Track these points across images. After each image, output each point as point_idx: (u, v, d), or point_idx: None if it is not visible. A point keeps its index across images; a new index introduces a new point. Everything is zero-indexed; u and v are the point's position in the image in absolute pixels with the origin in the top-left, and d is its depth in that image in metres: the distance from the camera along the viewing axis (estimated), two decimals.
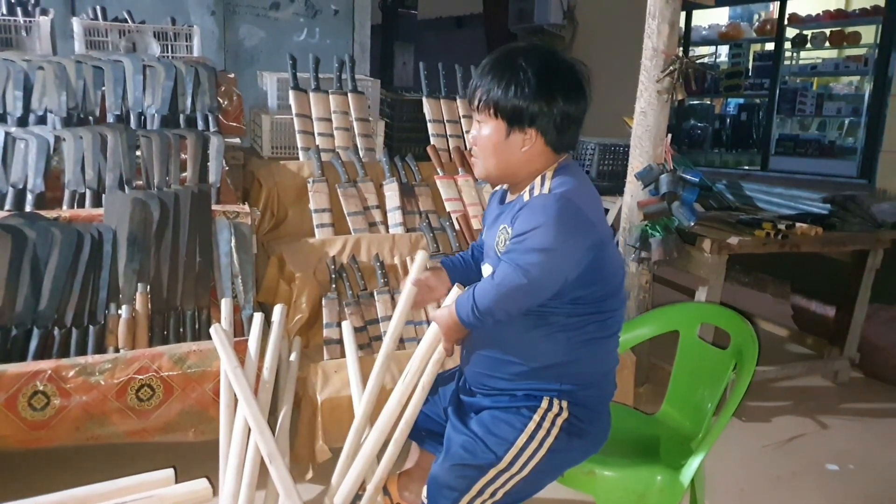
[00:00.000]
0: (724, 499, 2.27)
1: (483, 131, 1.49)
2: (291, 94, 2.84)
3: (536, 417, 1.49)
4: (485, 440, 1.47)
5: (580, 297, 1.46)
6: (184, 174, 2.47)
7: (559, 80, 1.45)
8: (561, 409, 1.50)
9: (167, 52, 3.06)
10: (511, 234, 1.44)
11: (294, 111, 2.83)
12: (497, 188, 1.71)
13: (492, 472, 1.46)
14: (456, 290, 1.62)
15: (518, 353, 1.51)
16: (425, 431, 1.72)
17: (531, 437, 1.48)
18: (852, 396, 3.14)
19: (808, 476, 2.46)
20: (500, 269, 1.40)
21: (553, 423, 1.49)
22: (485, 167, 1.53)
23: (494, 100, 1.44)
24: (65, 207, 2.32)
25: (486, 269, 1.60)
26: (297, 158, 2.82)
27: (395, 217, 2.72)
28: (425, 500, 1.52)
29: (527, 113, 1.43)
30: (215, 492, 1.44)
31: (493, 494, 1.47)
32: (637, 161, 2.85)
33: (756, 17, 7.02)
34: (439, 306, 1.65)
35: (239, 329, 2.22)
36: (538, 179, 1.48)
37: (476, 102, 1.49)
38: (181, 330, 2.20)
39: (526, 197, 1.47)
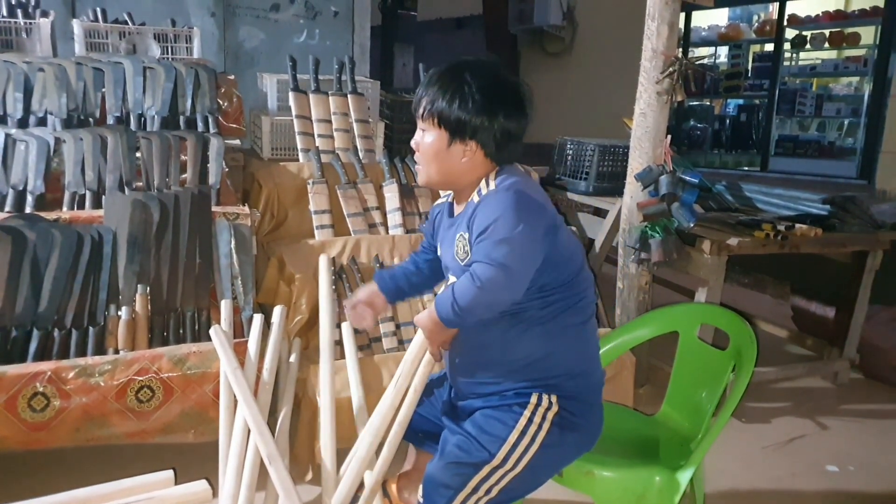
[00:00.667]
0: (724, 500, 2.27)
1: (426, 139, 1.53)
2: (291, 95, 2.84)
3: (527, 413, 1.50)
4: (478, 438, 1.49)
5: (547, 284, 1.48)
6: (184, 175, 2.47)
7: (502, 98, 1.49)
8: (550, 403, 1.51)
9: (167, 53, 3.06)
10: (471, 236, 1.46)
11: (294, 113, 2.83)
12: (439, 202, 1.74)
13: (486, 469, 1.47)
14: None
15: (499, 354, 1.53)
16: (422, 433, 1.72)
17: (523, 433, 1.48)
18: (852, 397, 3.14)
19: (807, 477, 2.46)
20: (476, 267, 1.41)
21: (544, 418, 1.50)
22: (427, 173, 1.57)
23: (438, 110, 1.48)
24: (65, 209, 2.33)
25: (452, 280, 1.61)
26: (297, 160, 2.82)
27: (394, 218, 2.72)
28: (421, 500, 1.52)
29: (469, 126, 1.47)
30: (215, 493, 1.44)
31: (488, 491, 1.48)
32: (637, 162, 2.85)
33: (755, 17, 7.03)
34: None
35: (239, 330, 2.23)
36: (482, 182, 1.52)
37: (420, 111, 1.53)
38: (181, 331, 2.21)
39: (476, 199, 1.50)
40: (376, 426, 1.70)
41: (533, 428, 1.49)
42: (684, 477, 1.64)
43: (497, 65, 1.54)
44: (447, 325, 1.49)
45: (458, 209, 1.61)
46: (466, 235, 1.48)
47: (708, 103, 7.34)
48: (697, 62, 2.74)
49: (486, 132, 1.48)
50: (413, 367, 1.70)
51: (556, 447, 1.52)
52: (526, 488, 1.53)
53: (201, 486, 1.35)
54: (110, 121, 2.58)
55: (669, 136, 2.82)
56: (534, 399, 1.51)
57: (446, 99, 1.47)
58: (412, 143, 1.60)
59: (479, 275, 1.39)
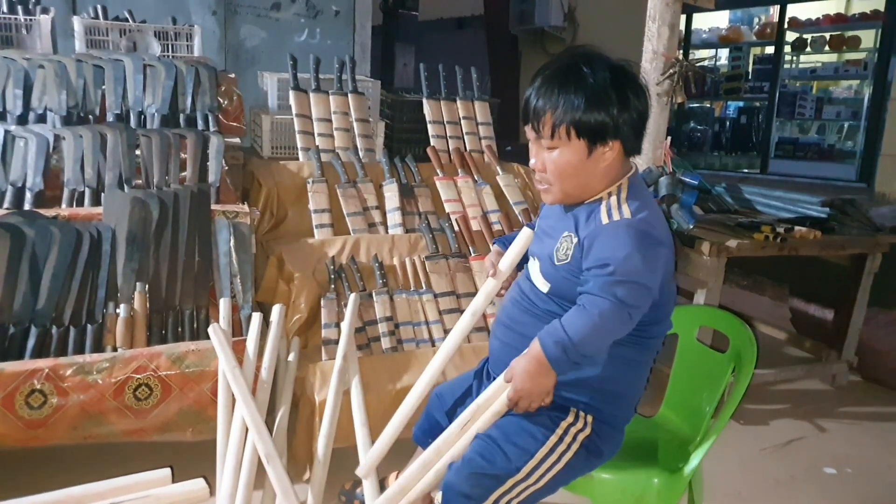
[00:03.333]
0: (722, 502, 2.27)
1: (560, 156, 1.41)
2: (292, 94, 2.84)
3: (559, 431, 1.48)
4: (504, 448, 1.45)
5: None
6: (183, 174, 2.47)
7: (628, 82, 1.40)
8: (585, 424, 1.50)
9: (168, 51, 3.05)
10: (585, 252, 1.39)
11: (294, 111, 2.83)
12: None
13: (509, 483, 1.44)
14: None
15: None
16: (432, 438, 1.71)
17: (551, 451, 1.47)
18: (850, 400, 3.14)
19: (805, 479, 2.46)
20: (596, 303, 1.35)
21: (574, 439, 1.48)
22: (562, 191, 1.45)
23: (574, 121, 1.37)
24: (64, 206, 2.32)
25: (534, 266, 1.54)
26: (297, 159, 2.82)
27: (394, 218, 2.72)
28: None
29: (611, 126, 1.38)
30: (212, 491, 1.44)
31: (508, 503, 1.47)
32: (637, 163, 2.85)
33: (756, 20, 7.04)
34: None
35: (237, 329, 2.22)
36: (613, 200, 1.42)
37: (547, 128, 1.39)
38: (179, 329, 2.20)
39: (604, 219, 1.40)
40: (425, 464, 1.59)
41: (562, 447, 1.47)
42: (683, 479, 1.64)
43: (596, 51, 1.43)
44: (555, 363, 1.38)
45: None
46: (575, 240, 1.42)
47: (708, 105, 7.35)
48: (698, 64, 2.75)
49: (627, 126, 1.39)
50: (481, 417, 1.53)
51: (577, 468, 1.52)
52: (538, 500, 1.52)
53: (198, 484, 1.34)
54: (110, 118, 2.57)
55: (669, 138, 2.82)
56: (570, 416, 1.49)
57: (582, 105, 1.35)
58: (533, 166, 1.46)
59: (599, 311, 1.34)
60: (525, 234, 1.63)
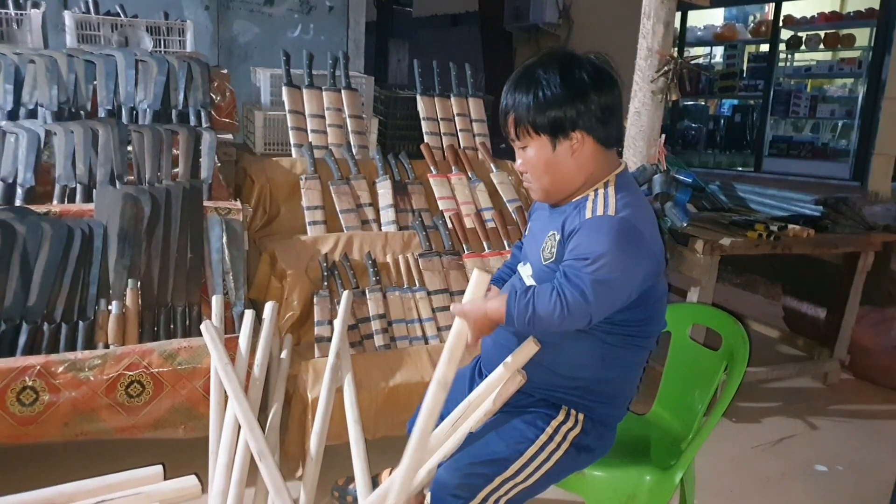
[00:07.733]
0: (714, 499, 2.28)
1: (528, 153, 1.47)
2: (285, 90, 2.83)
3: (549, 430, 1.48)
4: (494, 446, 1.46)
5: (623, 320, 1.46)
6: (175, 170, 2.45)
7: (584, 76, 1.42)
8: (576, 423, 1.50)
9: (160, 46, 3.04)
10: (566, 245, 1.40)
11: (287, 107, 2.82)
12: None
13: (497, 480, 1.45)
14: (482, 280, 1.48)
15: (551, 359, 1.49)
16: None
17: (541, 449, 1.47)
18: (842, 398, 3.16)
19: (796, 477, 2.47)
20: (565, 288, 1.35)
21: (565, 438, 1.49)
22: (541, 188, 1.49)
23: (531, 120, 1.42)
24: (55, 202, 2.30)
25: (526, 271, 1.56)
26: (290, 155, 2.81)
27: (387, 215, 2.71)
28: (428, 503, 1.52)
29: (566, 118, 1.41)
30: (204, 489, 1.44)
31: (496, 501, 1.47)
32: (631, 161, 2.85)
33: (751, 18, 7.05)
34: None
35: (230, 326, 2.22)
36: (600, 195, 1.43)
37: (513, 131, 1.47)
38: (171, 326, 2.20)
39: (588, 213, 1.41)
40: (422, 431, 1.52)
41: (552, 446, 1.48)
42: (675, 477, 1.65)
43: (564, 51, 1.47)
44: (511, 323, 1.40)
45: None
46: (557, 237, 1.43)
47: (703, 103, 7.35)
48: (692, 62, 2.75)
49: (586, 116, 1.41)
50: (454, 363, 1.46)
51: (568, 467, 1.52)
52: (528, 498, 1.53)
53: (191, 481, 1.34)
54: (101, 114, 2.56)
55: (664, 136, 2.82)
56: (561, 414, 1.50)
57: (532, 105, 1.41)
58: (517, 168, 1.52)
59: (570, 303, 1.34)
60: (478, 277, 1.53)
